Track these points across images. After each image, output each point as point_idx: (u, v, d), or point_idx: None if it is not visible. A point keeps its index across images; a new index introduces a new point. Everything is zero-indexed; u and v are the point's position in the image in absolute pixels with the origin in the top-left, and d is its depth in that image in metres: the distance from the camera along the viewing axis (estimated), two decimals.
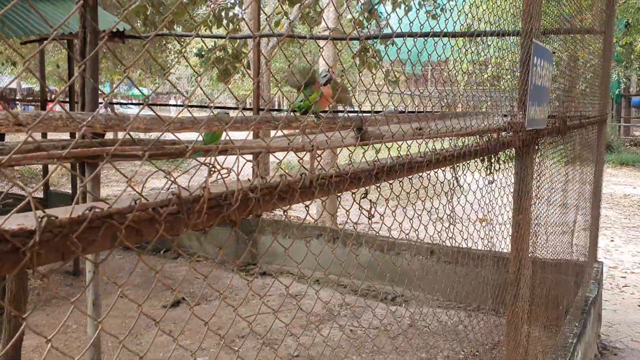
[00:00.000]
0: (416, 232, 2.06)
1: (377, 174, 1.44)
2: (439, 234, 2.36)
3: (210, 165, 0.93)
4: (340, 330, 5.30)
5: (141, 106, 0.98)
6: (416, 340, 5.22)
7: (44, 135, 7.28)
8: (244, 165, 1.01)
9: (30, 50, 13.07)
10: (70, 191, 9.32)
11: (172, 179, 0.85)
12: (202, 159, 0.99)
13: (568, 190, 4.66)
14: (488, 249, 2.95)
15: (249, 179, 1.03)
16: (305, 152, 1.19)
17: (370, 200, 1.41)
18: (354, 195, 1.35)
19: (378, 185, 1.45)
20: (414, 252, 6.33)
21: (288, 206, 1.09)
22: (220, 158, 1.04)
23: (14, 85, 35.03)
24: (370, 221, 1.44)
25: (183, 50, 1.14)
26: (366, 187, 1.40)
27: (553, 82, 3.96)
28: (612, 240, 10.10)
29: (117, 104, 22.73)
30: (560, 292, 4.41)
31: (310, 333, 5.39)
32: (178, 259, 7.70)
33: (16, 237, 0.65)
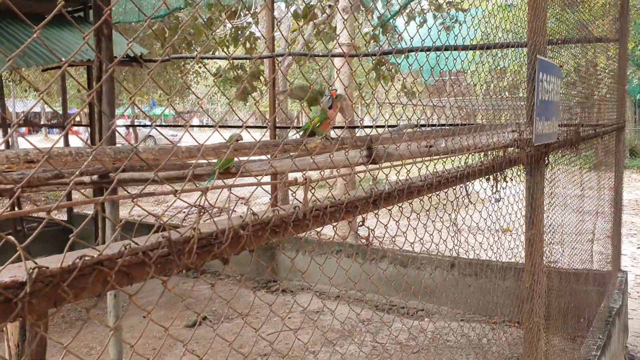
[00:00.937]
0: (433, 245, 2.07)
1: (375, 201, 1.47)
2: (451, 250, 2.37)
3: (200, 207, 0.97)
4: (361, 346, 5.29)
5: (159, 127, 1.03)
6: (438, 355, 5.18)
7: None
8: (236, 203, 1.05)
9: (52, 75, 13.39)
10: (92, 212, 9.48)
11: (162, 222, 0.89)
12: (192, 199, 1.03)
13: (585, 199, 4.62)
14: (508, 260, 2.95)
15: (240, 215, 1.07)
16: (298, 185, 1.22)
17: (368, 227, 1.43)
18: (350, 224, 1.37)
19: (376, 212, 1.48)
20: (433, 266, 6.30)
21: (281, 239, 1.12)
22: (231, 180, 1.08)
23: (38, 109, 35.82)
24: (368, 247, 1.45)
25: (204, 71, 1.18)
26: (363, 215, 1.42)
27: (566, 90, 3.94)
28: (638, 248, 9.91)
29: (139, 125, 23.09)
30: (581, 304, 4.36)
31: (332, 349, 5.39)
32: (200, 277, 7.77)
33: (8, 289, 0.69)
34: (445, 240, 2.23)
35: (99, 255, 0.80)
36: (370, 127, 4.56)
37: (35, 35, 0.82)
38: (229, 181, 1.04)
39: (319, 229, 1.34)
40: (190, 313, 6.45)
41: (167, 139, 2.70)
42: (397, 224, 1.82)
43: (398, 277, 6.44)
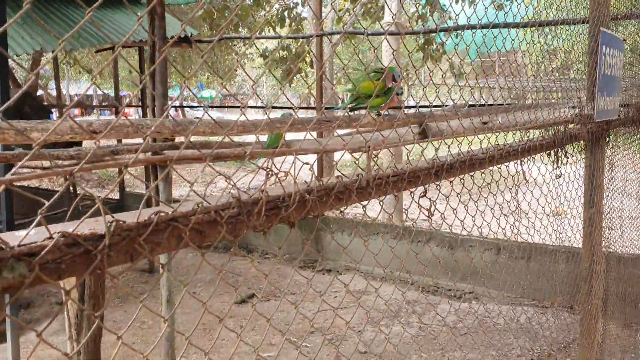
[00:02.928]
0: (479, 229, 2.03)
1: (436, 172, 1.44)
2: (504, 231, 2.32)
3: (268, 169, 0.96)
4: (407, 327, 5.27)
5: (208, 109, 1.03)
6: (485, 337, 5.12)
7: (119, 140, 7.64)
8: (300, 168, 1.04)
9: (105, 56, 13.71)
10: (144, 192, 9.74)
11: (232, 183, 0.89)
12: (262, 161, 1.03)
13: None
14: (558, 243, 2.87)
15: (305, 181, 1.06)
16: (361, 153, 1.21)
17: (430, 199, 1.41)
18: (412, 194, 1.35)
19: (438, 183, 1.45)
20: (482, 249, 6.21)
21: (345, 206, 1.11)
22: (283, 158, 1.07)
23: (90, 92, 36.80)
24: (429, 219, 1.43)
25: (241, 53, 1.18)
26: (425, 186, 1.40)
27: (628, 69, 3.78)
28: None
29: (187, 107, 23.43)
30: (638, 290, 4.22)
31: (377, 330, 5.39)
32: (248, 255, 7.89)
33: (88, 241, 0.70)
34: (500, 219, 2.18)
35: (173, 212, 0.80)
36: (427, 107, 4.48)
37: (88, 16, 0.82)
38: (295, 145, 1.03)
39: (365, 203, 1.31)
40: (240, 290, 6.56)
41: (216, 122, 2.70)
42: (447, 200, 1.78)
43: (445, 259, 6.37)
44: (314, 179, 1.08)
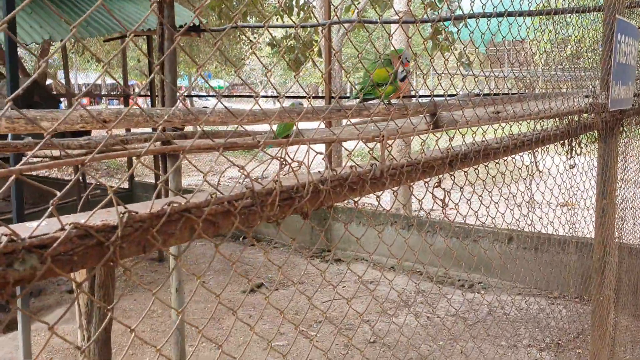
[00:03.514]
0: (493, 219, 2.00)
1: (450, 162, 1.42)
2: (518, 221, 2.29)
3: (282, 159, 0.95)
4: (417, 317, 5.27)
5: (217, 99, 1.01)
6: (495, 328, 5.11)
7: (128, 130, 7.65)
8: (314, 157, 1.02)
9: (113, 46, 13.70)
10: (153, 181, 9.75)
11: (246, 173, 0.88)
12: (275, 151, 1.01)
13: None
14: (570, 234, 2.84)
15: (319, 171, 1.04)
16: (375, 142, 1.19)
17: (444, 189, 1.39)
18: (426, 184, 1.33)
19: (452, 173, 1.43)
20: (492, 239, 6.18)
21: (359, 197, 1.09)
22: (293, 148, 1.06)
23: (99, 81, 36.86)
24: (444, 210, 1.41)
25: (256, 41, 1.16)
26: (439, 176, 1.38)
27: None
28: None
29: (195, 96, 23.44)
30: None
31: (386, 320, 5.39)
32: (257, 245, 7.90)
33: (100, 232, 0.69)
34: (514, 210, 2.16)
35: (186, 203, 0.79)
36: (441, 96, 4.44)
37: (99, 3, 0.81)
38: (308, 135, 1.01)
39: (379, 193, 1.30)
40: (248, 280, 6.57)
41: (230, 111, 2.69)
42: (462, 191, 1.75)
43: (454, 250, 6.35)
44: (327, 168, 1.06)
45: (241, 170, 0.86)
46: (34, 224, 0.66)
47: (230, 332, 5.14)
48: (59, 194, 0.64)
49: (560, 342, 5.00)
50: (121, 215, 0.71)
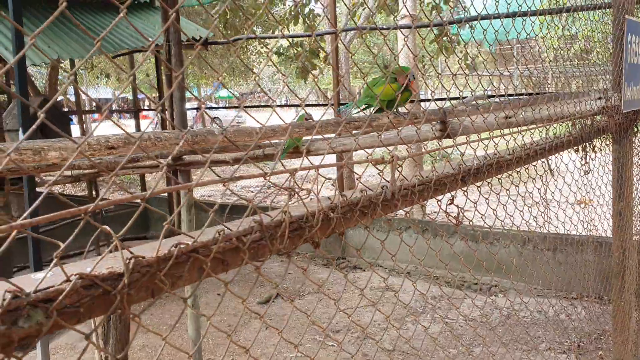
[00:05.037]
0: (511, 217, 1.96)
1: (463, 178, 1.39)
2: (535, 220, 2.25)
3: (290, 189, 0.93)
4: (433, 322, 5.22)
5: (239, 107, 1.00)
6: (515, 330, 5.05)
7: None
8: (323, 184, 1.00)
9: (122, 62, 13.80)
10: (166, 194, 9.77)
11: (254, 205, 0.86)
12: (282, 180, 0.99)
13: None
14: (587, 233, 2.79)
15: (328, 197, 1.02)
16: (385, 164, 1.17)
17: (457, 206, 1.36)
18: (439, 203, 1.30)
19: (465, 189, 1.40)
20: (509, 241, 6.12)
21: (370, 221, 1.07)
22: (303, 168, 1.04)
23: (109, 96, 37.16)
24: (457, 228, 1.38)
25: (270, 50, 1.14)
26: (452, 193, 1.35)
27: None
28: None
29: (209, 108, 23.52)
30: None
31: (405, 326, 5.35)
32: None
33: (106, 281, 0.67)
34: (526, 211, 2.12)
35: (194, 243, 0.77)
36: (443, 99, 4.40)
37: (121, 15, 0.81)
38: (313, 163, 0.99)
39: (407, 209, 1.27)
40: (263, 290, 6.56)
41: (251, 117, 2.67)
42: (477, 199, 1.72)
43: (469, 254, 6.28)
44: (337, 193, 1.04)
45: (249, 203, 0.85)
46: (40, 275, 0.65)
47: (247, 344, 5.12)
48: (62, 245, 0.62)
49: (581, 344, 4.93)
50: (127, 261, 0.70)
